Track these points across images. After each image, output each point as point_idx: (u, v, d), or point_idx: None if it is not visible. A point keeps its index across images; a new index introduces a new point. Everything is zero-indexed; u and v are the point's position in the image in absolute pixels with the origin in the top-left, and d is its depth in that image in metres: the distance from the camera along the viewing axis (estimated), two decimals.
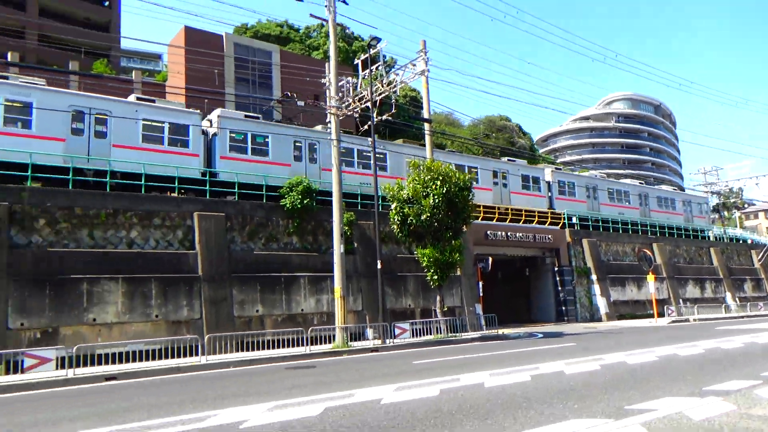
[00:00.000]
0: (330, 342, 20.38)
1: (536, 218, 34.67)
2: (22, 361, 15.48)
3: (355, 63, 25.69)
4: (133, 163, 21.15)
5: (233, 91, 36.01)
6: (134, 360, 16.94)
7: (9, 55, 34.71)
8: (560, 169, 40.75)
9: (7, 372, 15.37)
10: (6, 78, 19.83)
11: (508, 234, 32.36)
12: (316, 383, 11.66)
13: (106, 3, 50.45)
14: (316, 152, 25.78)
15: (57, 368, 15.46)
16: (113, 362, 16.72)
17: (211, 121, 23.87)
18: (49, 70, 24.88)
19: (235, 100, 33.47)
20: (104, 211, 19.63)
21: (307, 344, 18.92)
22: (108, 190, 20.34)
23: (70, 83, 26.94)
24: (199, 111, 23.73)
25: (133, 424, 8.11)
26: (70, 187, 19.54)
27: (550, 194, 36.61)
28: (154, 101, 22.86)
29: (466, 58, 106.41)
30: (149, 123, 21.77)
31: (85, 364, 16.00)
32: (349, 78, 23.76)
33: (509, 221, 33.04)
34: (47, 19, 44.13)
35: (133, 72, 43.07)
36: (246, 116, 24.77)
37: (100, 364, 16.54)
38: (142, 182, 21.12)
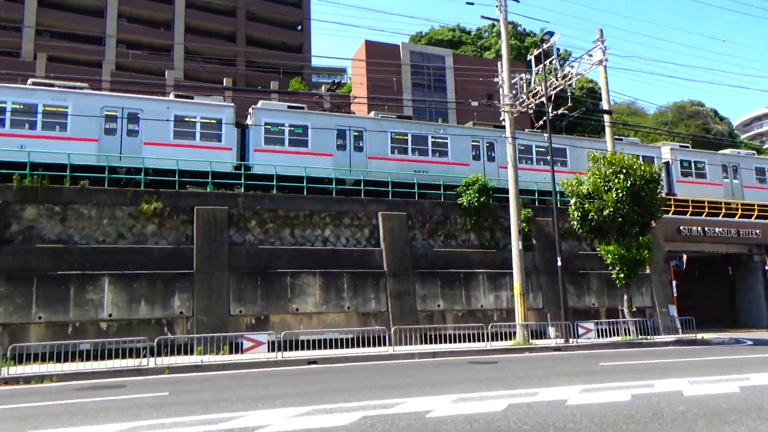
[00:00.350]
0: (510, 339, 20.43)
1: (739, 211, 30.72)
2: (242, 343, 18.09)
3: (527, 59, 25.19)
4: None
5: (410, 96, 37.58)
6: (330, 347, 18.80)
7: (224, 80, 40.35)
8: (687, 146, 33.63)
9: (231, 352, 18.07)
10: (51, 85, 21.65)
11: (705, 229, 29.16)
12: (498, 379, 11.91)
13: (299, 28, 55.95)
14: (363, 140, 24.32)
15: (269, 351, 17.81)
16: (313, 348, 18.72)
17: (249, 115, 23.70)
18: (254, 90, 28.55)
19: (412, 105, 34.92)
20: (302, 212, 21.98)
21: (487, 340, 19.23)
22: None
23: (271, 100, 30.43)
24: (233, 105, 23.39)
25: (330, 405, 9.15)
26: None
27: (668, 176, 30.63)
28: (191, 98, 23.12)
29: (649, 42, 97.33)
30: (180, 119, 21.97)
31: (290, 349, 18.12)
32: (522, 74, 23.45)
33: (705, 215, 29.73)
34: (252, 47, 50.29)
35: (323, 86, 47.16)
36: (289, 107, 24.19)
37: (302, 349, 18.63)
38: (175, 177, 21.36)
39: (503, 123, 22.78)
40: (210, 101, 23.05)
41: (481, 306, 23.05)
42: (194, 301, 19.28)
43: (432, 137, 25.49)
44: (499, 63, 23.11)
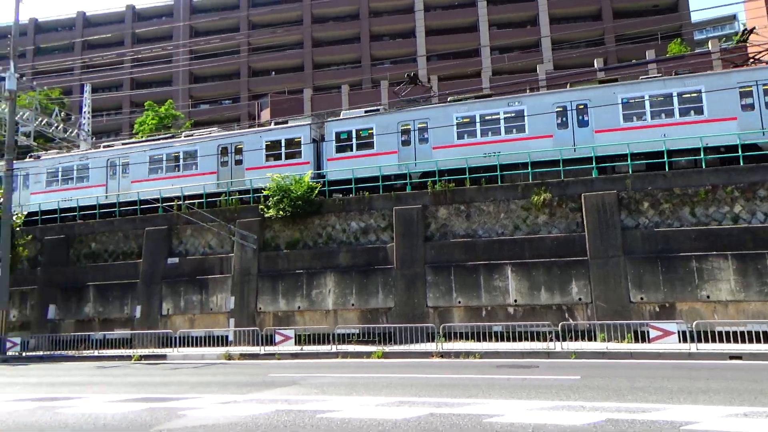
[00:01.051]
0: None
1: None
2: (648, 332, 17.23)
3: None
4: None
5: None
6: (756, 341, 16.16)
7: (595, 62, 39.37)
8: None
9: (635, 340, 17.43)
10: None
11: None
12: None
13: None
14: (427, 132, 23.70)
15: (679, 341, 16.46)
16: (732, 341, 16.41)
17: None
18: (628, 66, 26.90)
19: None
20: (702, 188, 19.57)
21: None
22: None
23: (648, 72, 28.12)
24: (309, 123, 25.89)
25: (760, 408, 7.91)
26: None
27: None
28: (286, 122, 26.57)
29: None
30: (269, 143, 25.44)
31: (702, 340, 16.34)
32: None
33: None
34: (620, 20, 47.63)
35: (708, 42, 41.08)
36: (366, 112, 25.42)
37: (717, 341, 16.52)
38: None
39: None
40: (293, 124, 26.41)
41: None
42: (591, 287, 19.33)
43: (504, 113, 23.01)
44: None
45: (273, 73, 57.86)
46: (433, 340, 18.38)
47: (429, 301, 20.79)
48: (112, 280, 24.74)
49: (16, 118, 26.23)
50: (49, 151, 31.53)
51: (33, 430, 7.99)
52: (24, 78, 29.16)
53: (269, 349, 19.36)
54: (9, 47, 25.52)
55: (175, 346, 20.96)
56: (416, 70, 51.20)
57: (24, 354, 22.08)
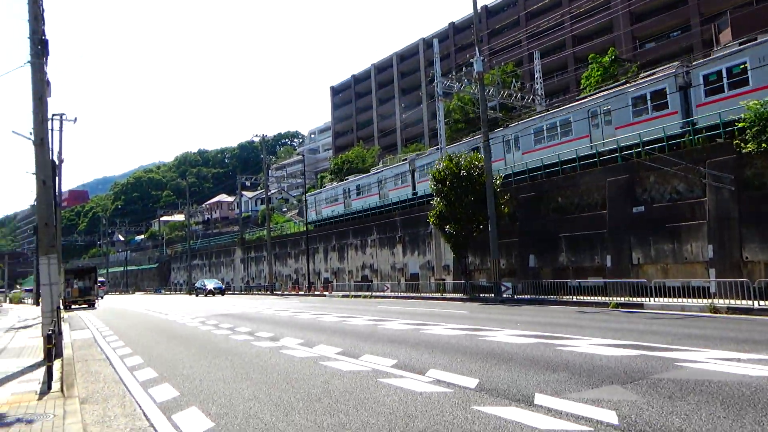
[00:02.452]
0: None
1: None
2: None
3: None
4: None
5: None
6: None
7: None
8: None
9: None
10: None
11: None
12: None
13: None
14: None
15: None
16: None
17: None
18: None
19: None
20: None
21: None
22: None
23: None
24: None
25: None
26: None
27: None
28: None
29: None
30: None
31: None
32: None
33: None
34: None
35: None
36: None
37: None
38: None
39: None
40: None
41: None
42: None
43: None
44: None
45: None
46: None
47: None
48: (580, 231, 26.05)
49: (485, 95, 30.37)
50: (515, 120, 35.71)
51: (542, 361, 9.15)
52: (485, 60, 33.45)
53: (765, 303, 16.78)
54: (473, 36, 29.58)
55: (649, 296, 20.54)
56: None
57: (514, 296, 25.68)
